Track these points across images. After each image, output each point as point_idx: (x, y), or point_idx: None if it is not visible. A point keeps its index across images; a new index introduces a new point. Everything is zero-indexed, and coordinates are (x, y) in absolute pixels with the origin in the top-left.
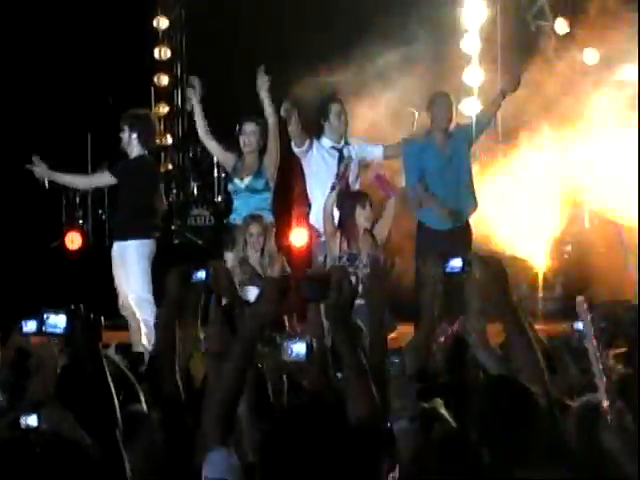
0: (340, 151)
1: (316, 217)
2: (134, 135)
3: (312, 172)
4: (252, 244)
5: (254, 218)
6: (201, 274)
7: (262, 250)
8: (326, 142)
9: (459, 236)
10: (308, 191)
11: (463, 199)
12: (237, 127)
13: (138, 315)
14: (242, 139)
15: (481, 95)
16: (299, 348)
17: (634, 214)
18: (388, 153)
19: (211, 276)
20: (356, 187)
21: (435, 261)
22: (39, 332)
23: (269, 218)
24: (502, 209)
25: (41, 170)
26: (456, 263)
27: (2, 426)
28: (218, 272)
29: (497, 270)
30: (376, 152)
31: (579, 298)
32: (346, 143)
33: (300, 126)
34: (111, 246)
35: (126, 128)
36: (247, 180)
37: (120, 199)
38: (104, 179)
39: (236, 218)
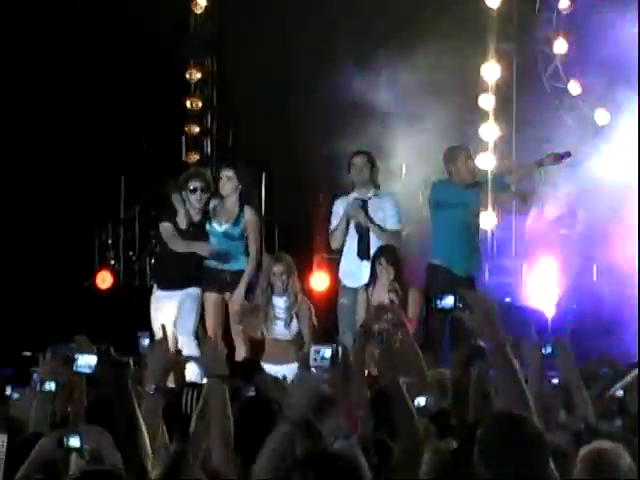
0: (365, 202)
1: (342, 272)
2: (206, 195)
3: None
4: (275, 283)
5: (278, 258)
6: (250, 392)
7: (286, 289)
8: (352, 195)
9: (471, 284)
10: None
11: (478, 251)
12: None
13: (187, 352)
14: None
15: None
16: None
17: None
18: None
19: (262, 391)
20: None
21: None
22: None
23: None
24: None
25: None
26: (449, 300)
27: (48, 444)
28: (267, 386)
29: (488, 308)
30: (389, 225)
31: None
32: (375, 195)
33: None
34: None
35: (199, 186)
36: (225, 226)
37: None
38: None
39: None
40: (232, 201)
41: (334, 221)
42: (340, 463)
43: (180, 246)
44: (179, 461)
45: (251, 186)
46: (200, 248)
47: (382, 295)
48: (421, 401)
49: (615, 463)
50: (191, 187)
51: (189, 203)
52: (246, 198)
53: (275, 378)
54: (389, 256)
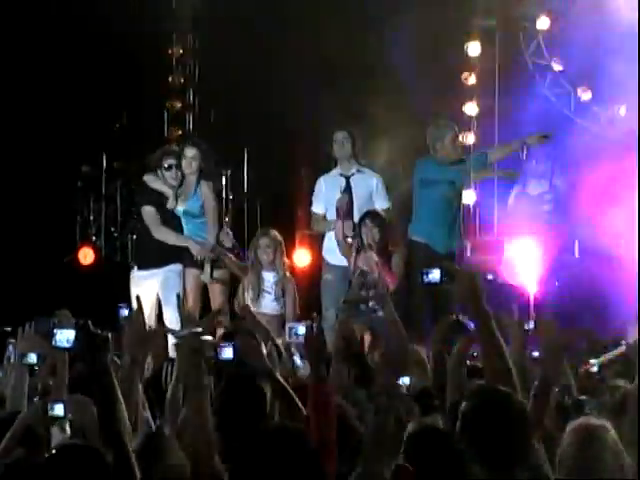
0: (347, 179)
1: (326, 249)
2: (180, 173)
3: (322, 200)
4: (261, 256)
5: (264, 232)
6: (228, 353)
7: (273, 262)
8: (335, 171)
9: (452, 261)
10: None
11: (459, 228)
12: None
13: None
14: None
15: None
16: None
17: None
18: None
19: (240, 352)
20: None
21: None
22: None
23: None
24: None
25: None
26: (435, 275)
27: (30, 414)
28: (248, 347)
29: (472, 281)
30: (378, 205)
31: None
32: (358, 171)
33: None
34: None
35: (174, 164)
36: (184, 206)
37: None
38: None
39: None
40: (190, 180)
41: (316, 201)
42: (287, 440)
43: (164, 235)
44: (157, 434)
45: (212, 164)
46: (190, 245)
47: (370, 262)
48: (406, 380)
49: (603, 439)
50: (166, 165)
51: (165, 181)
52: (205, 175)
53: (254, 335)
54: (375, 219)
